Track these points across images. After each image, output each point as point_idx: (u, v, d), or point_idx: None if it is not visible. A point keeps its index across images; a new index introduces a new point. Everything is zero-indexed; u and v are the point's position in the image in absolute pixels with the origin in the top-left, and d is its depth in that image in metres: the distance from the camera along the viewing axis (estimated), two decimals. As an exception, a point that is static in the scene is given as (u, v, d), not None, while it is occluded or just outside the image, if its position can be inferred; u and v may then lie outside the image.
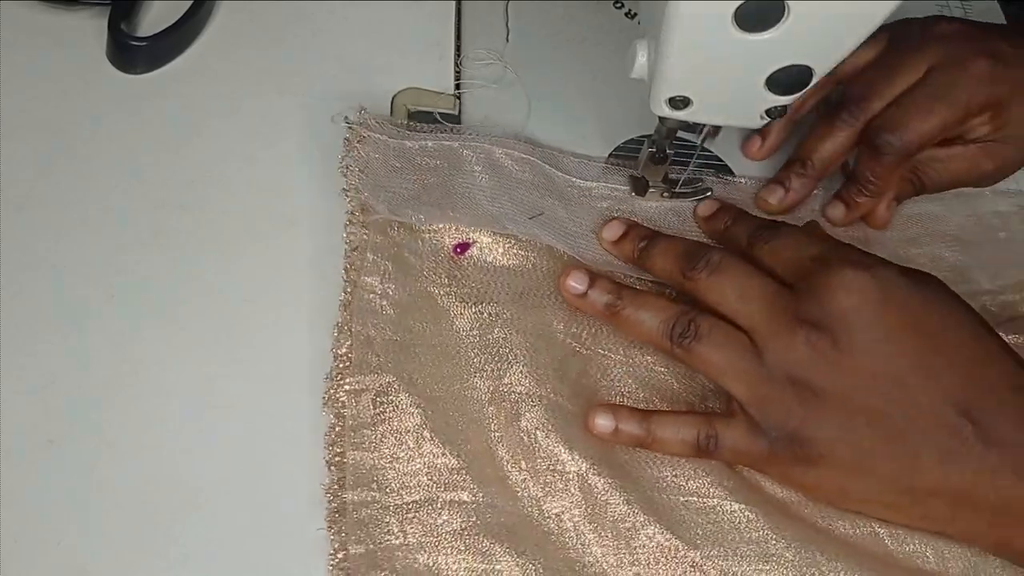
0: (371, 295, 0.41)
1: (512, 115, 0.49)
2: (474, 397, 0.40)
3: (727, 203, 0.47)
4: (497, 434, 0.39)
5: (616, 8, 0.55)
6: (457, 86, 0.50)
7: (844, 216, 0.48)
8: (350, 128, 0.45)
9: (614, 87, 0.50)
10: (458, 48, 0.51)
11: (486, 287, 0.43)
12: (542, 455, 0.39)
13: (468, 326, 0.42)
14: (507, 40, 0.52)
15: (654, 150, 0.45)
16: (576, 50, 0.53)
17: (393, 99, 0.48)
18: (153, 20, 0.49)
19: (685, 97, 0.39)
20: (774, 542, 0.38)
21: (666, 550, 0.37)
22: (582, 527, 0.38)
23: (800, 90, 0.38)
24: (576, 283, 0.42)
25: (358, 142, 0.44)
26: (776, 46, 0.35)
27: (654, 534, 0.38)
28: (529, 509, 0.38)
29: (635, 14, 0.55)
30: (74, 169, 0.45)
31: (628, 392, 0.42)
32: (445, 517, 0.37)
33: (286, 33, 0.50)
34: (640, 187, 0.47)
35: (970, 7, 0.59)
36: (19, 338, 0.40)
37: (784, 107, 0.40)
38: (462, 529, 0.37)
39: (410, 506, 0.37)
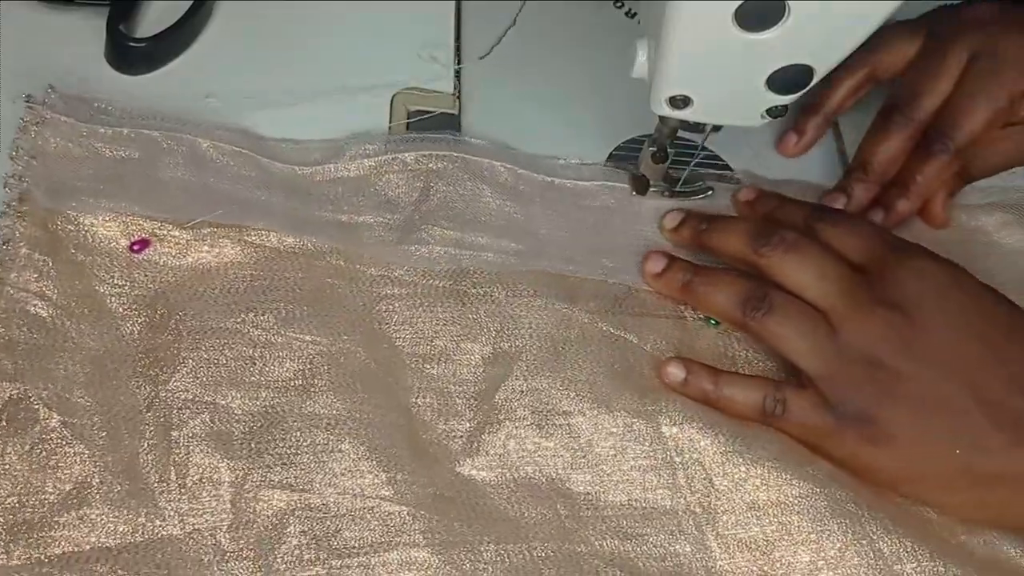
0: (22, 293, 0.38)
1: (512, 115, 0.49)
2: (130, 403, 0.37)
3: (768, 190, 0.47)
4: (149, 443, 0.37)
5: (616, 8, 0.55)
6: (456, 84, 0.50)
7: (882, 222, 0.47)
8: (29, 108, 0.42)
9: (614, 87, 0.50)
10: (458, 48, 0.51)
11: (164, 287, 0.40)
12: (195, 465, 0.36)
13: (136, 329, 0.39)
14: (507, 30, 0.52)
15: (655, 149, 0.45)
16: (576, 50, 0.53)
17: (393, 99, 0.48)
18: (152, 21, 0.48)
19: (685, 96, 0.39)
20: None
21: (307, 561, 0.36)
22: (225, 544, 0.35)
23: (800, 90, 0.38)
24: (655, 264, 0.44)
25: (36, 124, 0.41)
26: (776, 45, 0.35)
27: (299, 544, 0.36)
28: (171, 529, 0.35)
29: (635, 14, 0.55)
30: (73, 170, 0.44)
31: (320, 371, 0.39)
32: (56, 539, 0.34)
33: (285, 34, 0.50)
34: (641, 186, 0.47)
35: (970, 6, 0.59)
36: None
37: (784, 106, 0.40)
38: (75, 552, 0.34)
39: (21, 525, 0.34)
